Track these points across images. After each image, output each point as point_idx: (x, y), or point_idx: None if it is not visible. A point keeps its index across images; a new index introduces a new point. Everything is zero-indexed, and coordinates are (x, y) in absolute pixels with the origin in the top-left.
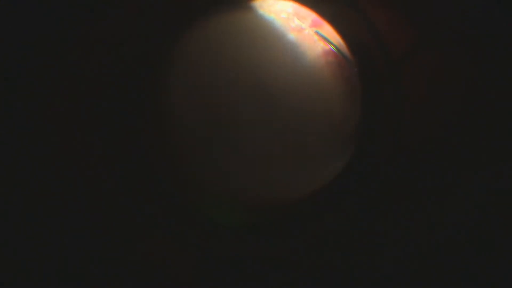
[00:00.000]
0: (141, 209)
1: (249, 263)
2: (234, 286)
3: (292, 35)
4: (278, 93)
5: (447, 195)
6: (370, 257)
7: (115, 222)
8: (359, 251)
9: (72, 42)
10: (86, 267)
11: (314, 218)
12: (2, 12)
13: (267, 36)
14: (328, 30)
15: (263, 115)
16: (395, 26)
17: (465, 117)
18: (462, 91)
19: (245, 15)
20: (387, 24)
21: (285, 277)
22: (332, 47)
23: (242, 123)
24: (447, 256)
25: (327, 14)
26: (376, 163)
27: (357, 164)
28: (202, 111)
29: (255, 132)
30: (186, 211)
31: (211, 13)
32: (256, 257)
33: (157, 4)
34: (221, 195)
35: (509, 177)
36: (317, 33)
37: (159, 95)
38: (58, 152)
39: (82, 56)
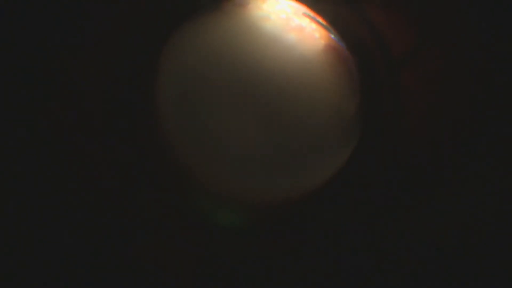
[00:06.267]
0: (140, 210)
1: (249, 263)
2: (233, 286)
3: (290, 34)
4: (276, 92)
5: (449, 196)
6: (370, 258)
7: (114, 222)
8: (359, 251)
9: (69, 45)
10: (84, 267)
11: (314, 219)
12: (4, 16)
13: (265, 34)
14: (332, 31)
15: (262, 114)
16: (396, 25)
17: (467, 115)
18: (465, 91)
19: (241, 13)
20: (387, 24)
21: (284, 277)
22: (323, 29)
23: (241, 123)
24: (448, 257)
25: (327, 14)
26: (377, 162)
27: (357, 164)
28: (200, 110)
29: (253, 132)
30: (185, 212)
31: (207, 12)
32: (256, 257)
33: (153, 4)
34: (220, 195)
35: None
36: (305, 13)
37: (157, 96)
38: (57, 153)
39: (79, 60)
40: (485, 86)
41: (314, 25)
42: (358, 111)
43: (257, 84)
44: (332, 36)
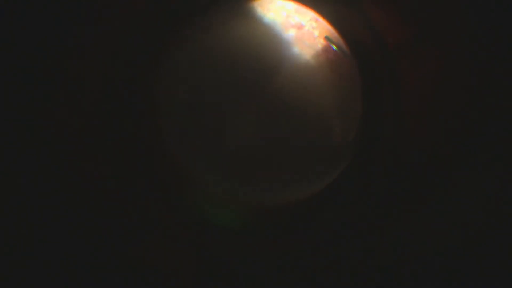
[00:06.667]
0: (140, 210)
1: (248, 263)
2: (233, 286)
3: (291, 34)
4: (277, 94)
5: (449, 197)
6: (369, 259)
7: (114, 222)
8: (359, 251)
9: (69, 46)
10: (85, 267)
11: (314, 219)
12: (4, 16)
13: (266, 35)
14: (333, 33)
15: (262, 116)
16: (393, 24)
17: (466, 115)
18: (462, 89)
19: (244, 14)
20: (385, 23)
21: (284, 277)
22: (336, 48)
23: (241, 124)
24: (447, 257)
25: (327, 14)
26: (377, 164)
27: (358, 166)
28: (200, 111)
29: (254, 133)
30: (185, 211)
31: (208, 13)
32: (255, 257)
33: (153, 4)
34: (220, 196)
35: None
36: (325, 38)
37: (157, 96)
38: (57, 153)
39: (79, 60)
40: (485, 86)
41: (319, 33)
42: (359, 111)
43: (258, 85)
44: (338, 49)
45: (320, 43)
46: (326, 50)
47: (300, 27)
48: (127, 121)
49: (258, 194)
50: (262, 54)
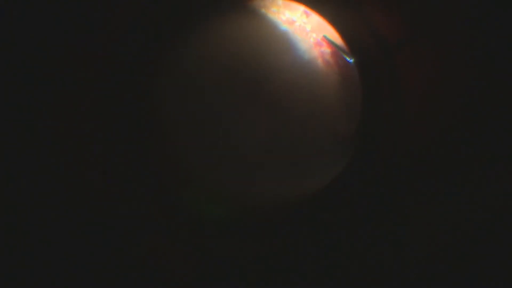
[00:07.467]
0: (139, 209)
1: (248, 263)
2: (233, 286)
3: (290, 33)
4: (276, 93)
5: (449, 196)
6: (369, 259)
7: (113, 222)
8: (358, 252)
9: (69, 46)
10: (84, 267)
11: (314, 219)
12: (4, 16)
13: (266, 35)
14: (332, 33)
15: (261, 115)
16: (393, 24)
17: (466, 115)
18: (462, 88)
19: (244, 13)
20: (385, 22)
21: (284, 277)
22: (337, 49)
23: (241, 124)
24: (447, 258)
25: (327, 14)
26: (377, 163)
27: (358, 165)
28: (199, 110)
29: (254, 133)
30: (184, 211)
31: (207, 13)
32: (255, 257)
33: (154, 5)
34: (220, 196)
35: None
36: (324, 37)
37: (157, 96)
38: (57, 153)
39: (79, 60)
40: (485, 86)
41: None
42: (359, 111)
43: (258, 84)
44: (338, 49)
45: (317, 39)
46: (325, 49)
47: (291, 21)
48: (127, 121)
49: (258, 194)
50: (262, 53)
